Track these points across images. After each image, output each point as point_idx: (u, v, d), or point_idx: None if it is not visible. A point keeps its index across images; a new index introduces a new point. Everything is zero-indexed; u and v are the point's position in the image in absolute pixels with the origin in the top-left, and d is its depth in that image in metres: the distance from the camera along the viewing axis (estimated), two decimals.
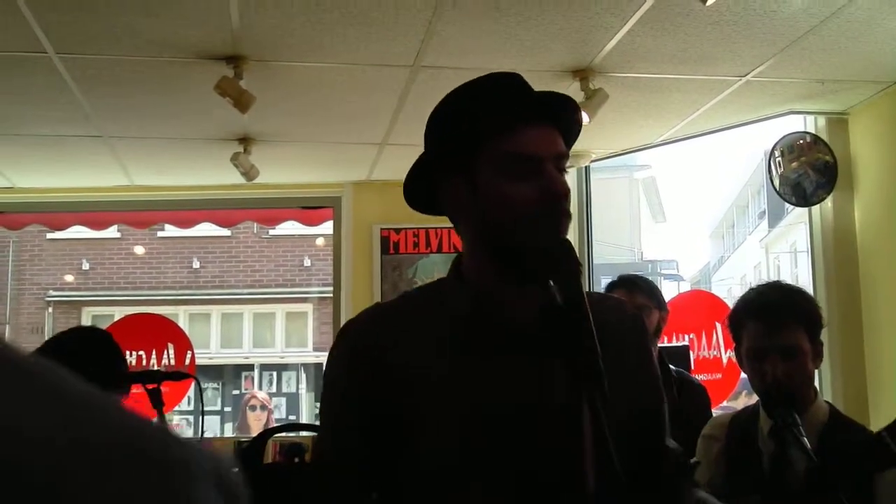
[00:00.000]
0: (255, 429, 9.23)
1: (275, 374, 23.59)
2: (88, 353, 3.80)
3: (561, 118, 2.30)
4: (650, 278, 5.77)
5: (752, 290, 3.72)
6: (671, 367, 5.15)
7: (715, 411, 5.72)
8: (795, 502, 3.23)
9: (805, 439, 3.19)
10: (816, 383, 3.79)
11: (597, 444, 2.02)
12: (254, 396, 10.52)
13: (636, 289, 5.01)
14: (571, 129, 2.37)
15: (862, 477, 3.17)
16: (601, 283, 9.19)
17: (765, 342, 3.44)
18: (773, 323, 3.45)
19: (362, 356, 2.28)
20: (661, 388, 2.46)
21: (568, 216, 2.22)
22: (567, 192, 2.21)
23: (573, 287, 2.11)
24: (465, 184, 2.28)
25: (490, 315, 2.29)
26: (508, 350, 2.24)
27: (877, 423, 6.38)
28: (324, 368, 2.44)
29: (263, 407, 10.14)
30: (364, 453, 2.26)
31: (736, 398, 9.76)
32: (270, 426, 9.25)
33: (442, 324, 2.30)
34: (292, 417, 22.13)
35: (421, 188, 2.45)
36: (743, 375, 3.86)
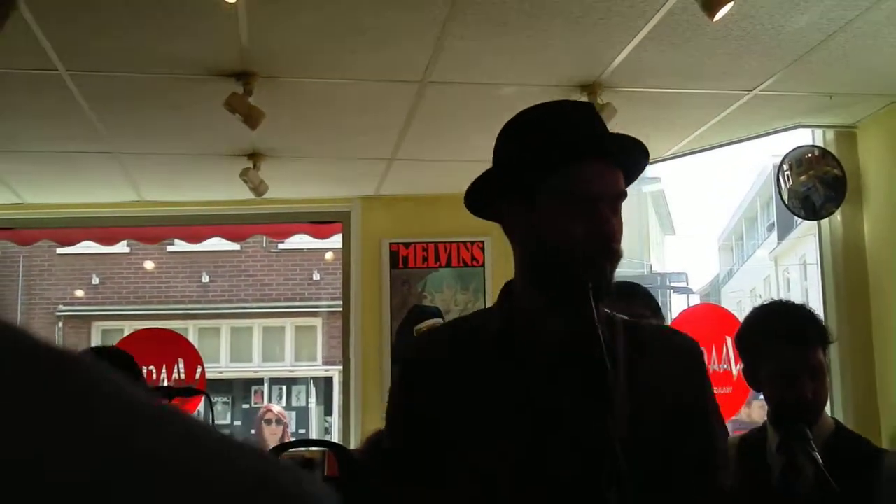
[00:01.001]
0: (272, 443, 9.22)
1: (284, 388, 23.59)
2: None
3: (623, 159, 2.39)
4: (660, 290, 5.75)
5: (764, 309, 3.72)
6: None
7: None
8: None
9: (817, 454, 3.20)
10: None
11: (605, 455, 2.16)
12: (269, 410, 10.50)
13: (633, 298, 4.96)
14: (635, 169, 2.48)
15: (865, 486, 3.19)
16: None
17: (794, 364, 3.44)
18: (802, 345, 3.46)
19: (414, 371, 2.55)
20: (713, 424, 2.51)
21: (615, 255, 2.35)
22: (614, 233, 2.33)
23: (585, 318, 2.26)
24: (524, 205, 2.40)
25: (522, 330, 2.42)
26: (535, 363, 2.37)
27: (888, 436, 6.39)
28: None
29: (279, 421, 10.13)
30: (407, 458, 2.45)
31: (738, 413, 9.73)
32: (286, 440, 9.25)
33: (484, 339, 2.45)
34: (302, 431, 22.12)
35: (485, 196, 2.56)
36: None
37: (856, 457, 3.36)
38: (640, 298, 4.95)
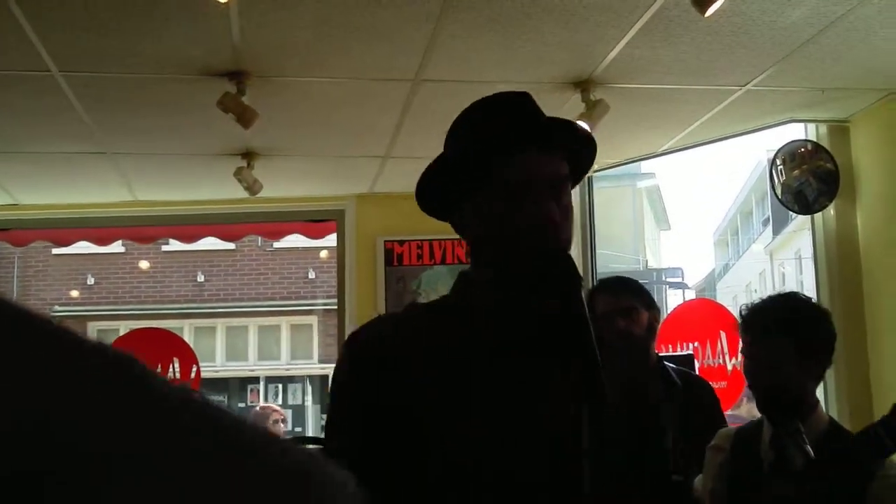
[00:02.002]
0: None
1: (280, 386, 23.61)
2: None
3: (559, 144, 2.34)
4: (655, 286, 5.73)
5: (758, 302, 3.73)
6: (672, 365, 5.09)
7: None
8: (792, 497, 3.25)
9: (808, 447, 3.21)
10: (820, 389, 3.82)
11: (593, 448, 2.13)
12: (262, 407, 10.50)
13: (621, 291, 4.94)
14: (579, 153, 2.42)
15: (855, 471, 3.20)
16: None
17: (762, 352, 3.48)
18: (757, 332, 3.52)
19: (368, 364, 2.31)
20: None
21: (559, 241, 2.28)
22: (556, 219, 2.26)
23: (573, 301, 2.19)
24: (469, 203, 2.38)
25: (487, 325, 2.35)
26: (506, 358, 2.29)
27: None
28: (330, 379, 2.47)
29: (285, 420, 10.14)
30: (366, 458, 2.25)
31: (738, 406, 9.72)
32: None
33: (445, 334, 2.35)
34: (298, 430, 22.12)
35: (433, 195, 2.52)
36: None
37: (849, 455, 3.37)
38: (631, 292, 4.94)
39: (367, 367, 2.32)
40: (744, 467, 3.53)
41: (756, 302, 3.69)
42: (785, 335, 3.48)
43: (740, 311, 3.66)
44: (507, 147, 2.32)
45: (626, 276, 5.46)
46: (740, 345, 3.63)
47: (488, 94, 2.45)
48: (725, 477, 3.58)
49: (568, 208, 2.32)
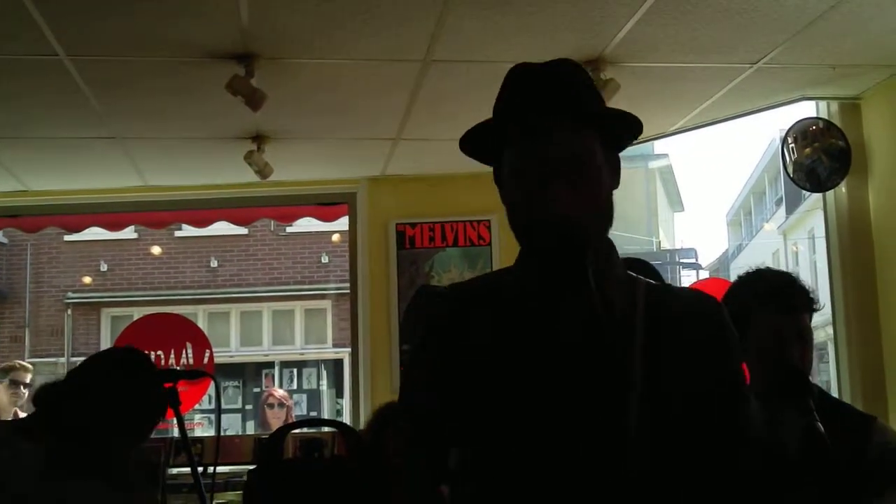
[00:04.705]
0: (275, 426, 9.22)
1: (295, 371, 23.66)
2: (129, 375, 3.85)
3: (578, 120, 2.37)
4: (669, 267, 5.69)
5: (751, 276, 3.71)
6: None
7: None
8: (795, 483, 3.24)
9: (820, 425, 3.20)
10: (833, 369, 3.81)
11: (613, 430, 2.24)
12: (271, 394, 10.48)
13: (640, 274, 4.90)
14: (615, 130, 2.50)
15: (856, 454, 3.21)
16: None
17: (783, 330, 3.44)
18: (791, 311, 3.46)
19: (440, 321, 2.52)
20: (738, 385, 2.49)
21: (565, 221, 2.29)
22: (558, 200, 2.28)
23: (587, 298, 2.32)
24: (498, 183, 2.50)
25: (531, 297, 2.43)
26: (544, 332, 2.36)
27: (894, 408, 6.40)
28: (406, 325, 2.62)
29: (281, 404, 10.11)
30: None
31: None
32: (289, 422, 9.26)
33: (501, 301, 2.46)
34: (314, 414, 22.21)
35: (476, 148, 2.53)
36: None
37: (844, 424, 3.36)
38: (650, 276, 4.92)
39: (438, 322, 2.51)
40: None
41: (754, 278, 3.66)
42: (807, 311, 3.47)
43: (752, 287, 3.61)
44: (508, 132, 2.37)
45: (640, 258, 5.44)
46: (752, 322, 3.53)
47: (532, 62, 2.48)
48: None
49: (589, 181, 2.34)
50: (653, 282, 2.58)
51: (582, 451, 2.25)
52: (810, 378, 3.51)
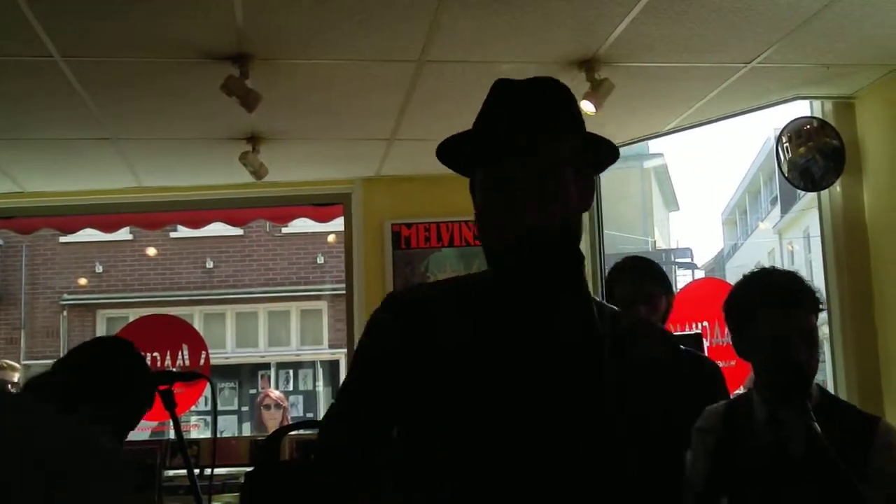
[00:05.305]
0: (271, 427, 9.22)
1: (291, 372, 23.63)
2: (113, 363, 3.81)
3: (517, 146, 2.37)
4: (664, 266, 5.67)
5: (755, 275, 3.69)
6: (682, 346, 5.03)
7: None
8: (794, 482, 3.24)
9: (817, 426, 3.20)
10: (829, 368, 3.81)
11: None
12: (267, 395, 10.48)
13: (644, 277, 4.89)
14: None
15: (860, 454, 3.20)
16: None
17: (788, 328, 3.42)
18: (796, 308, 3.45)
19: (400, 318, 2.48)
20: (683, 424, 2.54)
21: (532, 230, 2.32)
22: (521, 208, 2.31)
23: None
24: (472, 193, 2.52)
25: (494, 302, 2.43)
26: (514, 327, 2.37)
27: (890, 407, 6.40)
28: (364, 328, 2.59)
29: (278, 405, 10.10)
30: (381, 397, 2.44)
31: (749, 385, 9.72)
32: (286, 424, 9.25)
33: (467, 302, 2.46)
34: (310, 415, 22.14)
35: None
36: None
37: (847, 424, 3.36)
38: (651, 277, 4.93)
39: (400, 318, 2.48)
40: (739, 448, 3.48)
41: (758, 277, 3.65)
42: (812, 311, 3.46)
43: (758, 287, 3.59)
44: (481, 145, 2.40)
45: (645, 256, 5.43)
46: (758, 320, 3.51)
47: (512, 78, 2.49)
48: (721, 460, 3.52)
49: (556, 199, 2.35)
50: (615, 308, 2.62)
51: (528, 453, 2.27)
52: (814, 379, 3.51)
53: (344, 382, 2.60)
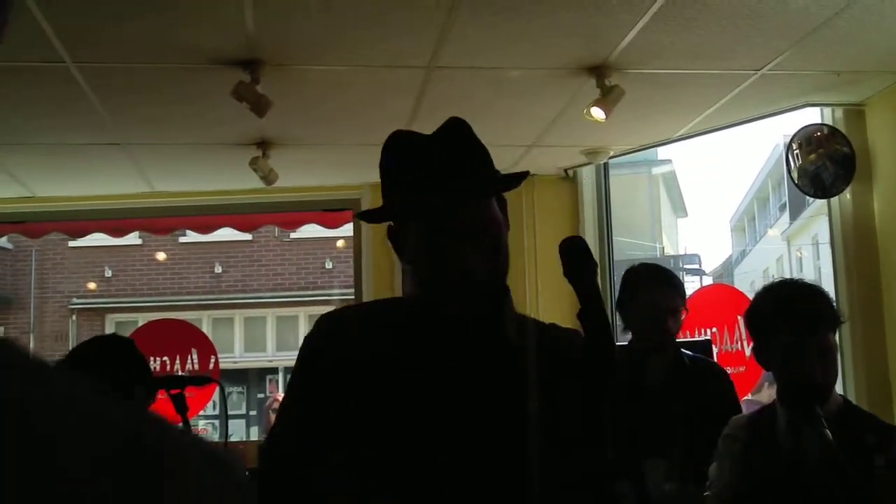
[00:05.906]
0: None
1: None
2: (113, 361, 3.82)
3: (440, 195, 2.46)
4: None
5: (775, 287, 3.69)
6: (688, 352, 5.03)
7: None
8: (810, 488, 3.25)
9: (828, 432, 3.20)
10: (839, 375, 3.79)
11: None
12: (276, 400, 10.50)
13: (670, 289, 4.86)
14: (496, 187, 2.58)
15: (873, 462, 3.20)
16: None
17: (804, 344, 3.42)
18: (813, 325, 3.44)
19: (333, 337, 2.60)
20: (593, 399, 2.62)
21: (471, 281, 2.43)
22: (462, 262, 2.41)
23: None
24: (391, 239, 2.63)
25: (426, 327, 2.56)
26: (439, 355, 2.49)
27: None
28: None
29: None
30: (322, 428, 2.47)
31: (759, 391, 9.71)
32: None
33: (395, 333, 2.55)
34: None
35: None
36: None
37: (867, 434, 3.35)
38: (675, 289, 4.93)
39: (337, 332, 2.61)
40: (762, 455, 3.50)
41: (779, 290, 3.65)
42: (830, 328, 3.46)
43: (778, 300, 3.59)
44: (409, 201, 2.54)
45: (662, 265, 5.41)
46: (778, 332, 3.50)
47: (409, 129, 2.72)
48: (747, 466, 3.53)
49: (493, 239, 2.46)
50: (540, 321, 2.71)
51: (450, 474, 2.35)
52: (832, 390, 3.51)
53: (282, 403, 2.69)
